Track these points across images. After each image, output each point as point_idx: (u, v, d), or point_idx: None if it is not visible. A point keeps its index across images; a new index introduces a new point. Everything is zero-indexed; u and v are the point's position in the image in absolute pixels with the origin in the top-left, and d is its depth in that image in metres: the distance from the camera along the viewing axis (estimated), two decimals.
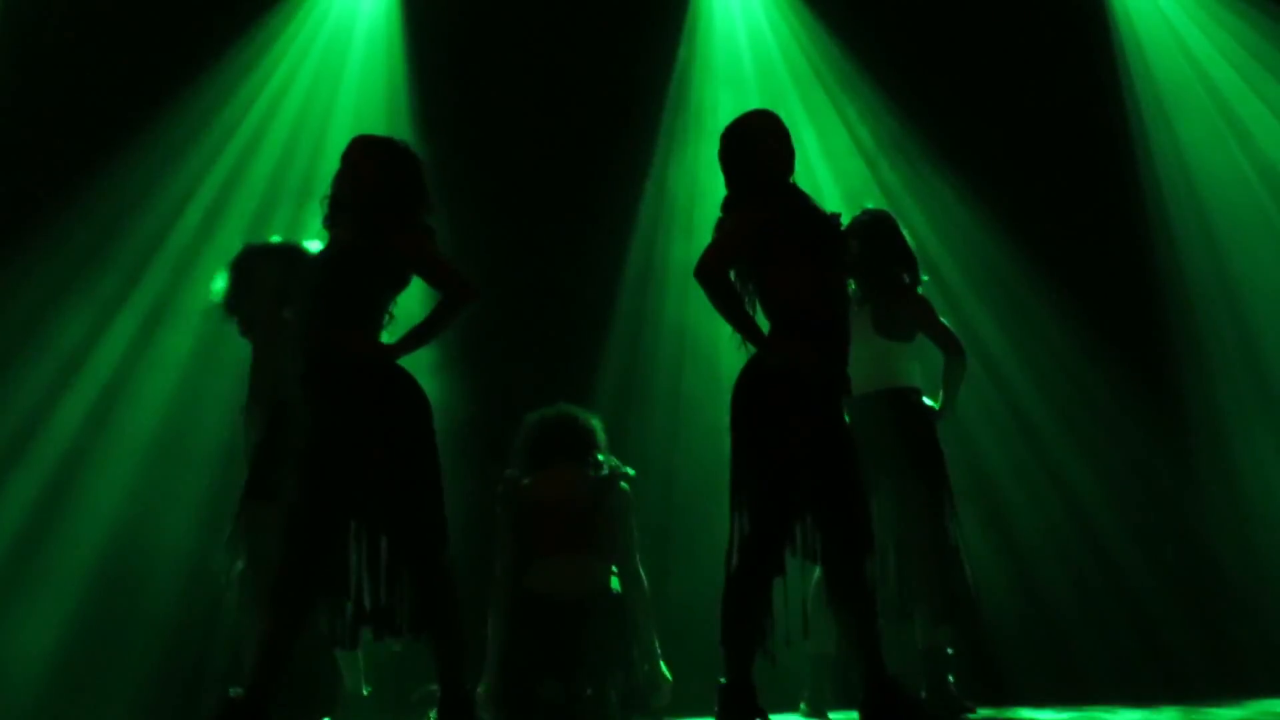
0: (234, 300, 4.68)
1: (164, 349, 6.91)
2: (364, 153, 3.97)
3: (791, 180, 4.16)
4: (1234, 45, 7.56)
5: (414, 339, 3.90)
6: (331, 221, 4.01)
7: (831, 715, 5.05)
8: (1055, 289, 7.29)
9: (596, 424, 4.94)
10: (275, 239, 4.93)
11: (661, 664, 4.82)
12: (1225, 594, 7.16)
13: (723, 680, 3.86)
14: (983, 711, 4.81)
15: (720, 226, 4.12)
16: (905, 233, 5.20)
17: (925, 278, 5.29)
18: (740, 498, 3.89)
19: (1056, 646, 7.10)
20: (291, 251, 4.57)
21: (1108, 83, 7.57)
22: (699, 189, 7.59)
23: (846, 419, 4.05)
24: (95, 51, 7.23)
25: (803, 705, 5.08)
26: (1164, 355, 7.32)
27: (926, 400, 5.01)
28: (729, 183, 4.17)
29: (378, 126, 7.55)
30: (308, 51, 7.75)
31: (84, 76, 7.20)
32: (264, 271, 4.58)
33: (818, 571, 4.70)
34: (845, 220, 4.44)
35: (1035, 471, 7.25)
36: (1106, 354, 7.21)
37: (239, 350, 4.91)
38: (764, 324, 4.09)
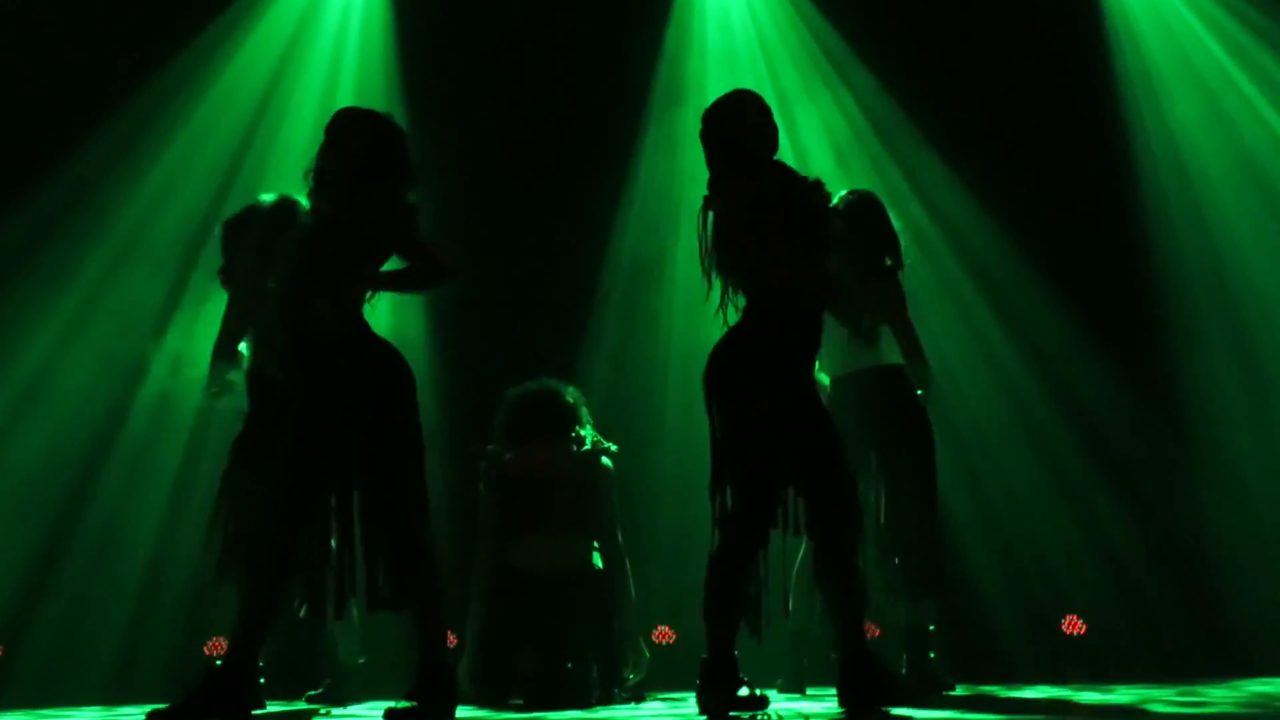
0: (223, 253, 4.71)
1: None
2: (347, 125, 3.95)
3: (776, 157, 4.16)
4: (1226, 21, 7.57)
5: (380, 281, 3.90)
6: (315, 195, 3.99)
7: (810, 691, 5.08)
8: (1046, 273, 7.32)
9: (578, 398, 4.93)
10: (267, 197, 4.86)
11: (641, 640, 4.84)
12: (1216, 575, 7.23)
13: (704, 655, 3.87)
14: (961, 689, 4.84)
15: (711, 205, 4.09)
16: (891, 214, 5.20)
17: (908, 260, 5.29)
18: (723, 471, 3.90)
19: (1048, 626, 7.18)
20: (282, 210, 4.52)
21: (1099, 63, 7.58)
22: (689, 171, 7.63)
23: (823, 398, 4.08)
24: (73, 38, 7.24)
25: (780, 681, 5.11)
26: (1155, 339, 7.35)
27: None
28: (713, 162, 4.15)
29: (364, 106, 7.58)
30: (295, 38, 7.74)
31: (60, 63, 7.22)
32: (250, 226, 4.56)
33: (802, 549, 4.74)
34: (834, 199, 4.46)
35: (1027, 454, 7.30)
36: (1097, 337, 7.25)
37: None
38: (739, 300, 4.09)
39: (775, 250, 3.91)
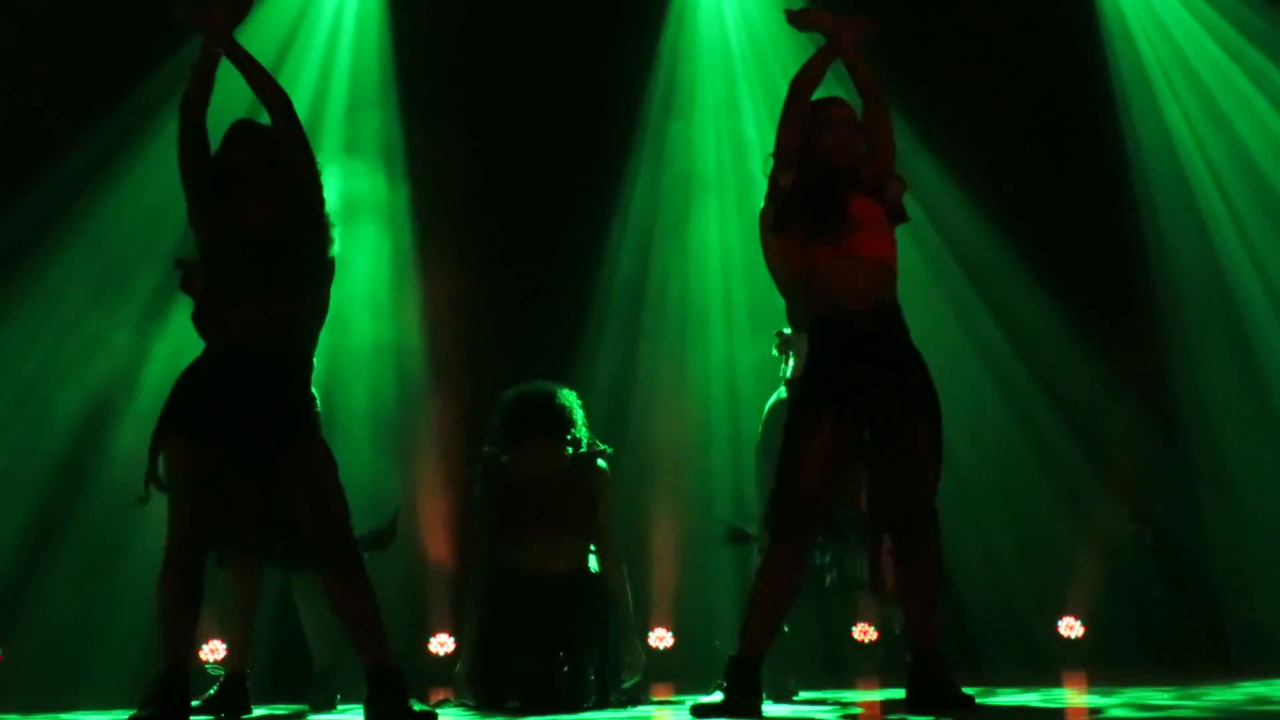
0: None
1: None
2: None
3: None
4: (1219, 21, 7.58)
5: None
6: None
7: (799, 697, 5.07)
8: (1040, 271, 7.33)
9: (574, 400, 4.93)
10: None
11: (638, 642, 4.83)
12: (1212, 574, 7.23)
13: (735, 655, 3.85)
14: (966, 690, 4.82)
15: None
16: None
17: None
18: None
19: (1044, 627, 7.19)
20: None
21: (1093, 62, 7.60)
22: (685, 166, 7.65)
23: None
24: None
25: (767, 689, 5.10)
26: (1150, 336, 7.37)
27: None
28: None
29: (362, 106, 7.60)
30: (291, 33, 7.74)
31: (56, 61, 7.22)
32: None
33: None
34: None
35: (1025, 454, 7.32)
36: (1090, 333, 7.26)
37: None
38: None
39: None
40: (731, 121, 7.77)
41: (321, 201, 3.89)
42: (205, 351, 3.80)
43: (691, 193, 7.65)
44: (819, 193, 3.89)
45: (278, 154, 3.87)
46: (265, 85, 3.92)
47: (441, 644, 7.32)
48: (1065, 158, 7.42)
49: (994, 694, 4.71)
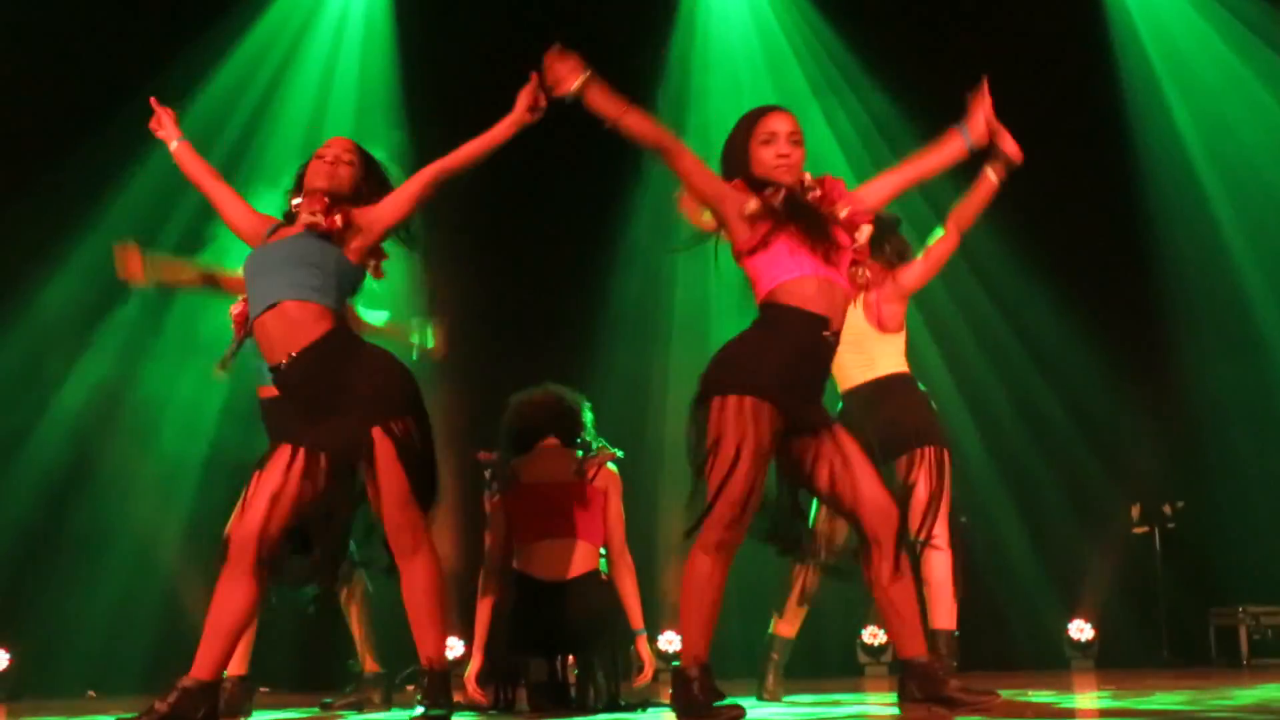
0: None
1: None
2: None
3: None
4: (1229, 20, 7.58)
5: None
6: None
7: (787, 699, 5.08)
8: (1050, 273, 7.34)
9: (583, 403, 4.94)
10: None
11: (648, 645, 4.84)
12: (1222, 576, 7.23)
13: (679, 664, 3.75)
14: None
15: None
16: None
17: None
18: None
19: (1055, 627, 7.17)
20: None
21: (1103, 64, 7.60)
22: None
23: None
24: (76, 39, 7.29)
25: (758, 691, 5.12)
26: (1159, 333, 7.37)
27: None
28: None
29: (366, 115, 7.63)
30: (295, 42, 7.78)
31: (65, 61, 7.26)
32: None
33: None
34: None
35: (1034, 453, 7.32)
36: (1102, 334, 7.26)
37: None
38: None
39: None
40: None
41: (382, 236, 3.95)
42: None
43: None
44: (802, 211, 3.76)
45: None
46: (468, 161, 3.99)
47: (450, 648, 7.35)
48: (1074, 157, 7.42)
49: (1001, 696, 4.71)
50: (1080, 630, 7.45)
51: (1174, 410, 7.39)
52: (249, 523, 3.66)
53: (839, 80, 7.61)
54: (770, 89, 7.58)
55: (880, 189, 3.93)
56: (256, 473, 3.73)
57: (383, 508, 3.74)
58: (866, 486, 3.69)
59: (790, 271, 3.71)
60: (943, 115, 7.40)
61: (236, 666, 4.76)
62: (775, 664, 5.17)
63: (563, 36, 7.67)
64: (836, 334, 3.73)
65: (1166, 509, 7.37)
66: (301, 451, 3.70)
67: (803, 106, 7.58)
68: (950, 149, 3.96)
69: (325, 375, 3.73)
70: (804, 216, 3.75)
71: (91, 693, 6.96)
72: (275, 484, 3.68)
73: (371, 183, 3.97)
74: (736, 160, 3.87)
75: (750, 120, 3.88)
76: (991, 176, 4.51)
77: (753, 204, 3.77)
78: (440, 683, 3.85)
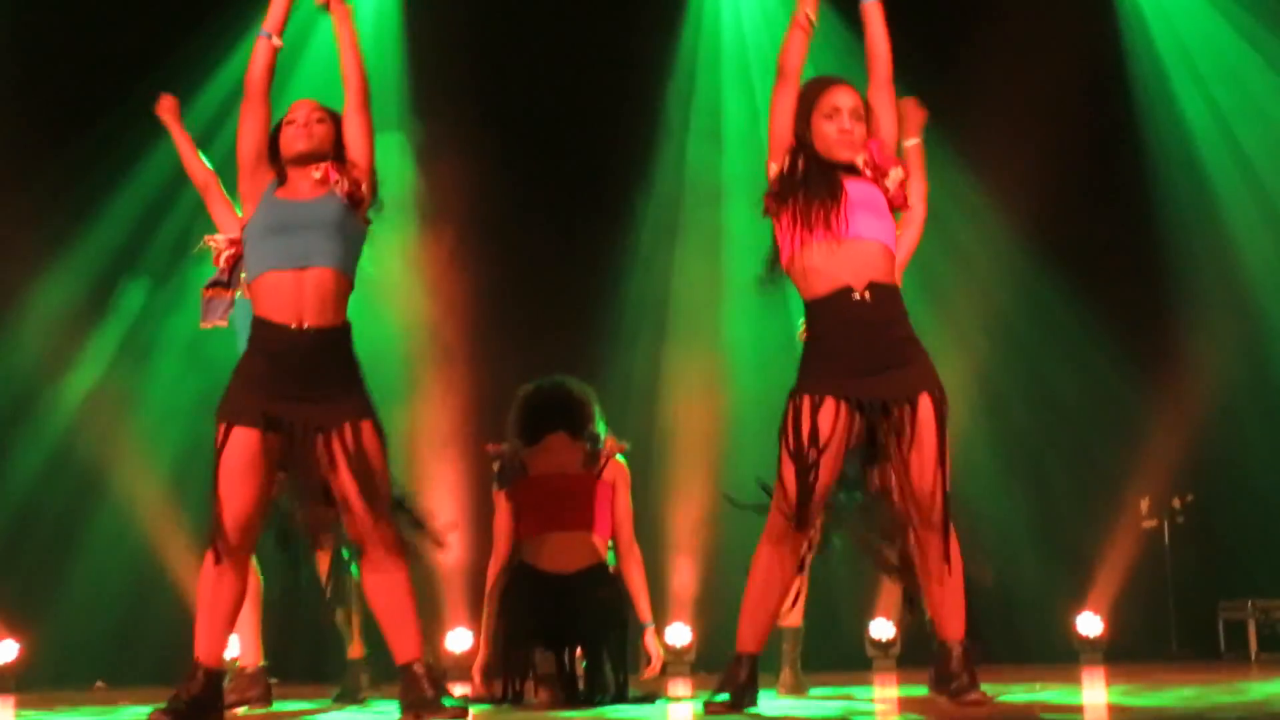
0: None
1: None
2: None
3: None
4: (1240, 14, 7.56)
5: None
6: None
7: (814, 692, 5.08)
8: (1063, 262, 7.33)
9: (591, 395, 4.93)
10: None
11: (656, 638, 4.85)
12: (1231, 570, 7.23)
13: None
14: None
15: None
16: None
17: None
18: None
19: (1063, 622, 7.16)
20: None
21: (1113, 61, 7.59)
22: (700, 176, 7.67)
23: None
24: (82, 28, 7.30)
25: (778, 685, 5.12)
26: (1174, 328, 7.35)
27: None
28: None
29: (377, 109, 7.64)
30: (303, 40, 7.77)
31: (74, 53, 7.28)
32: None
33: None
34: None
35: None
36: (1116, 328, 7.25)
37: None
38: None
39: None
40: (751, 122, 7.79)
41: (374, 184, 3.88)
42: (257, 334, 3.73)
43: (719, 188, 7.68)
44: (814, 178, 3.73)
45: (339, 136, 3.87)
46: (354, 68, 3.89)
47: (459, 639, 7.36)
48: (1092, 149, 7.42)
49: (1009, 690, 4.71)
50: (1089, 624, 7.44)
51: (1184, 403, 7.38)
52: (232, 515, 3.63)
53: (850, 72, 7.59)
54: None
55: (887, 115, 3.84)
56: (224, 457, 3.64)
57: (351, 503, 3.71)
58: (916, 469, 3.66)
59: (796, 242, 3.74)
60: (954, 109, 7.42)
61: (252, 657, 4.77)
62: (788, 656, 5.16)
63: (569, 31, 7.70)
64: (872, 287, 3.67)
65: (1176, 503, 7.36)
66: (263, 434, 3.64)
67: None
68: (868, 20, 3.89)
69: (326, 363, 3.71)
70: (811, 190, 3.73)
71: (101, 683, 6.98)
72: (249, 469, 3.64)
73: (342, 138, 3.91)
74: (798, 128, 3.82)
75: (814, 91, 3.82)
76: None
77: (771, 170, 3.81)
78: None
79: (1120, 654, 7.29)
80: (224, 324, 4.57)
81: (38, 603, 7.17)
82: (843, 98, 3.79)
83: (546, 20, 7.69)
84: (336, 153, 3.87)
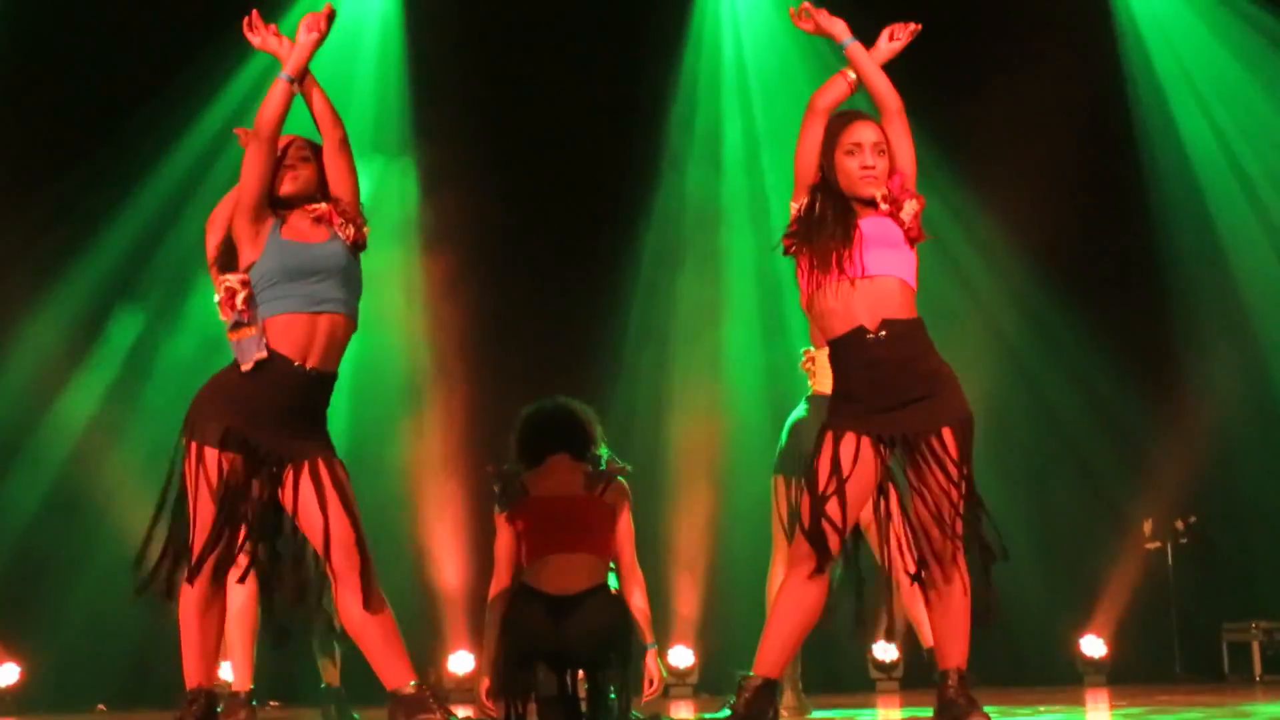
0: None
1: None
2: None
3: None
4: (1239, 31, 7.58)
5: None
6: None
7: (815, 715, 5.06)
8: (1070, 288, 7.35)
9: (593, 417, 4.93)
10: None
11: (657, 660, 4.84)
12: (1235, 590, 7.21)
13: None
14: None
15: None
16: None
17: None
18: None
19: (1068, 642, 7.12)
20: None
21: (1112, 77, 7.61)
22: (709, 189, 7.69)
23: None
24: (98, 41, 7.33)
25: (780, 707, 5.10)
26: (1177, 349, 7.36)
27: None
28: None
29: (383, 133, 7.67)
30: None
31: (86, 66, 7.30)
32: None
33: None
34: None
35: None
36: (1120, 349, 7.26)
37: None
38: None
39: None
40: (751, 147, 7.82)
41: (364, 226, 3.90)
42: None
43: (718, 210, 7.70)
44: (829, 219, 3.76)
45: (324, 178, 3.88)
46: (329, 120, 3.87)
47: (461, 662, 7.34)
48: (1098, 169, 7.44)
49: (1013, 714, 4.70)
50: (1093, 646, 7.41)
51: (1187, 426, 7.38)
52: (211, 542, 3.65)
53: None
54: (786, 103, 7.59)
55: (903, 148, 3.83)
56: (204, 484, 3.66)
57: (331, 534, 3.73)
58: (933, 502, 3.67)
59: (813, 284, 3.78)
60: (960, 139, 7.44)
61: (243, 681, 4.77)
62: (789, 678, 5.15)
63: (575, 54, 7.74)
64: (887, 324, 3.69)
65: (1179, 524, 7.35)
66: (235, 458, 3.67)
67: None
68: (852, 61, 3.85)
69: (311, 404, 3.79)
70: (826, 231, 3.75)
71: (102, 706, 6.97)
72: (223, 495, 3.66)
73: (325, 174, 3.92)
74: (820, 164, 3.84)
75: (836, 127, 3.83)
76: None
77: (793, 208, 3.85)
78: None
79: (1124, 676, 7.26)
80: (265, 355, 4.57)
81: (39, 626, 7.16)
82: (864, 133, 3.79)
83: (549, 47, 7.73)
84: (322, 190, 3.89)
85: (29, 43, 7.39)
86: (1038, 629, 7.29)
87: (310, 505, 3.69)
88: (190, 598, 3.69)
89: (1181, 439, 7.35)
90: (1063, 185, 7.35)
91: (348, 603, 3.74)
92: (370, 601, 3.74)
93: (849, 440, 3.70)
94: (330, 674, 5.22)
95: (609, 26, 7.59)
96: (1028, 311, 7.47)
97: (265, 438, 3.68)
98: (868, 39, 3.90)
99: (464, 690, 6.32)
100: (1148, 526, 7.44)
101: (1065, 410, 7.44)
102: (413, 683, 3.73)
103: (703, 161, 7.82)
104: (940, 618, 3.74)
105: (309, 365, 3.71)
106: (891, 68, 3.89)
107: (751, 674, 3.79)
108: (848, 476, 3.67)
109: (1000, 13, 7.50)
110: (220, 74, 7.44)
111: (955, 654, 3.73)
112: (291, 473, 3.70)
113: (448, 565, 7.23)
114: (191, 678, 3.69)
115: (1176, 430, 7.37)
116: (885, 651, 7.40)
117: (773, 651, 3.77)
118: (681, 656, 7.28)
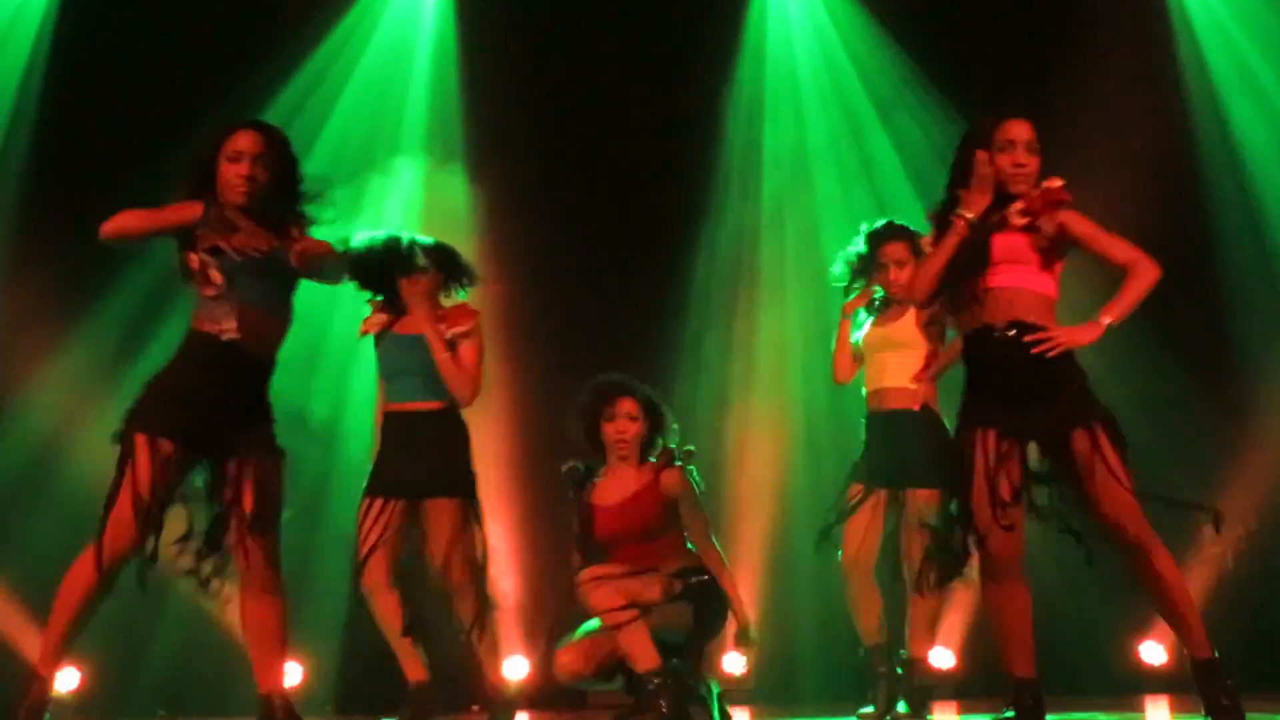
0: None
1: None
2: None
3: None
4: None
5: None
6: None
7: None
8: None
9: (665, 408, 4.95)
10: None
11: (751, 632, 4.85)
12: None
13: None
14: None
15: None
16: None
17: None
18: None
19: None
20: None
21: (1170, 78, 7.56)
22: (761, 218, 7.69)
23: None
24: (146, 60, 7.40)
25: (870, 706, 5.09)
26: (1235, 348, 7.29)
27: None
28: None
29: (433, 140, 7.70)
30: (361, 66, 7.85)
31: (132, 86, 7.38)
32: None
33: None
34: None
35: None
36: (1177, 348, 7.19)
37: None
38: None
39: None
40: (800, 155, 7.81)
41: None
42: (187, 349, 3.90)
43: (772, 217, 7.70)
44: (963, 261, 3.86)
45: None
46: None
47: (515, 667, 7.32)
48: (1152, 186, 7.40)
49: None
50: (1153, 653, 7.32)
51: (1254, 430, 7.31)
52: (123, 523, 3.84)
53: (907, 99, 7.61)
54: (838, 111, 7.61)
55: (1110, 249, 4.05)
56: (138, 466, 3.79)
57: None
58: (1098, 499, 3.83)
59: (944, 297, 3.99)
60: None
61: (417, 671, 4.85)
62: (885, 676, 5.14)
63: (627, 67, 7.75)
64: (1012, 324, 3.81)
65: (1240, 529, 7.26)
66: (171, 444, 3.80)
67: (868, 127, 7.59)
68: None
69: (251, 388, 3.96)
70: (960, 272, 3.87)
71: (162, 712, 7.00)
72: (159, 478, 3.82)
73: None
74: (966, 166, 3.93)
75: (988, 126, 3.94)
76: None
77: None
78: None
79: (1184, 684, 7.15)
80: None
81: (99, 631, 7.17)
82: (1017, 131, 3.92)
83: (601, 60, 7.76)
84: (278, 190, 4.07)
85: (72, 73, 7.50)
86: (1095, 635, 7.20)
87: (243, 493, 3.86)
88: (87, 579, 3.88)
89: (1245, 444, 7.27)
90: (1130, 204, 7.31)
91: (245, 596, 3.95)
92: (268, 598, 3.92)
93: (976, 433, 3.80)
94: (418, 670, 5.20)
95: (664, 35, 7.61)
96: (1085, 317, 7.41)
97: (207, 427, 3.83)
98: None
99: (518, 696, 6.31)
100: (1211, 531, 7.35)
101: (1124, 403, 7.39)
102: (278, 692, 3.90)
103: (757, 172, 7.81)
104: (1169, 612, 4.03)
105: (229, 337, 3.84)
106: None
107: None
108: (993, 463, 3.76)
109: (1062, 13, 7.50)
110: (254, 109, 7.53)
111: (1197, 644, 3.93)
112: (234, 463, 3.88)
113: (501, 570, 7.25)
114: (45, 664, 3.88)
115: (1240, 434, 7.29)
116: (942, 658, 7.33)
117: (1018, 654, 3.90)
118: (735, 663, 7.24)
